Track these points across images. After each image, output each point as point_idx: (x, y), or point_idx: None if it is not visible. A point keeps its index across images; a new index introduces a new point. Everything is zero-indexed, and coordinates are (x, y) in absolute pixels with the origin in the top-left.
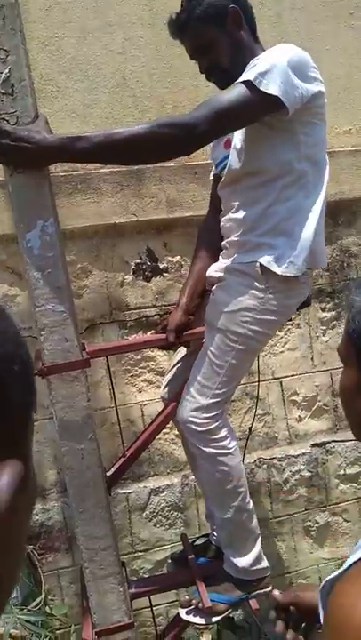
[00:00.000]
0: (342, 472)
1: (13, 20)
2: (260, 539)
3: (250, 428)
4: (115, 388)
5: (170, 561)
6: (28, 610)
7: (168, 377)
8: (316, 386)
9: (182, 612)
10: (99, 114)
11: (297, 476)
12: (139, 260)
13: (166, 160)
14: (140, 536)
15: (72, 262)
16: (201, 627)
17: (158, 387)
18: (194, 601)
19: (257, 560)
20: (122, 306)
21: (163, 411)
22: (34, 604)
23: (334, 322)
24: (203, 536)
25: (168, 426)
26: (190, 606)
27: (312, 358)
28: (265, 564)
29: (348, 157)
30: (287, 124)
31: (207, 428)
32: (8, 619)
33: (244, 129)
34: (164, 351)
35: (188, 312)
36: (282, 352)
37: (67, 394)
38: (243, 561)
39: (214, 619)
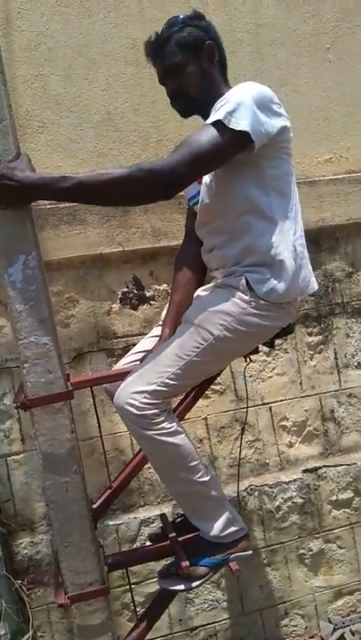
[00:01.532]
0: (335, 498)
1: None
2: (226, 503)
3: (239, 455)
4: (103, 417)
5: (149, 542)
6: None
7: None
8: (306, 410)
9: (162, 582)
10: (84, 148)
11: (289, 503)
12: (125, 289)
13: (148, 203)
14: (132, 569)
15: (59, 292)
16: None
17: None
18: (172, 568)
19: (227, 525)
20: (109, 334)
21: None
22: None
23: (321, 346)
24: (182, 515)
25: None
26: (170, 574)
27: (301, 383)
28: (238, 526)
29: (330, 185)
30: (253, 159)
31: (144, 412)
32: None
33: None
34: None
35: None
36: (270, 377)
37: (50, 426)
38: (212, 528)
39: (194, 583)
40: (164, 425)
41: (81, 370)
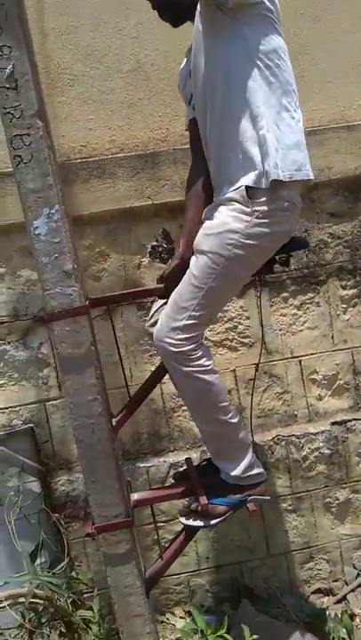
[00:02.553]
0: None
1: (16, 16)
2: (249, 448)
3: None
4: (135, 367)
5: (173, 480)
6: (53, 573)
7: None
8: (337, 364)
9: (182, 519)
10: (114, 99)
11: (316, 453)
12: (155, 243)
13: None
14: (161, 507)
15: (90, 246)
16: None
17: None
18: (193, 505)
19: (248, 468)
20: (146, 284)
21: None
22: (58, 567)
23: (355, 299)
24: (205, 460)
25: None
26: (190, 512)
27: (332, 337)
28: (258, 470)
29: None
30: (236, 25)
31: (182, 349)
32: (34, 580)
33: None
34: None
35: (185, 260)
36: (301, 331)
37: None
38: (234, 470)
39: (213, 521)
40: (202, 362)
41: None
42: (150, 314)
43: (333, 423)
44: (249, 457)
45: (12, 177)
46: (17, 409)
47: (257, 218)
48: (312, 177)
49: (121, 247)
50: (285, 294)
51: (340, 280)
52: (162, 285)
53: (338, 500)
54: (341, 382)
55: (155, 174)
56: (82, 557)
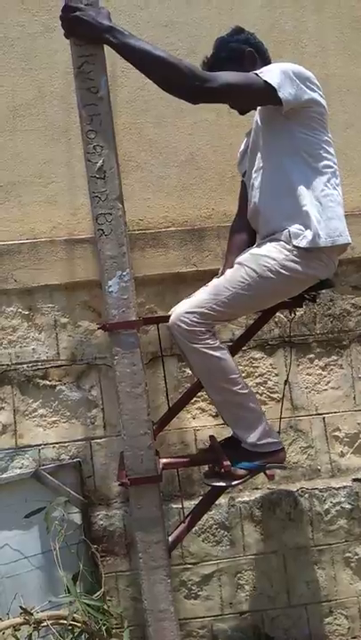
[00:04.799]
0: None
1: (107, 123)
2: (263, 417)
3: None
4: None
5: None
6: (91, 598)
7: None
8: (359, 423)
9: (206, 480)
10: (170, 184)
11: (338, 508)
12: None
13: (176, 94)
14: (190, 549)
15: (142, 304)
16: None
17: (210, 415)
18: (216, 468)
19: (264, 435)
20: None
21: None
22: (94, 596)
23: None
24: (228, 438)
25: None
26: (213, 474)
27: (354, 397)
28: (275, 439)
29: None
30: (286, 125)
31: (193, 329)
32: (75, 604)
33: (261, 139)
34: None
35: None
36: (325, 390)
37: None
38: (251, 437)
39: (234, 482)
40: (209, 341)
41: (155, 370)
42: None
43: (355, 480)
44: (263, 425)
45: (81, 243)
46: (66, 444)
47: (295, 256)
48: (350, 241)
49: (168, 306)
50: (311, 355)
51: None
52: None
53: (357, 555)
54: None
55: (200, 246)
56: (113, 592)
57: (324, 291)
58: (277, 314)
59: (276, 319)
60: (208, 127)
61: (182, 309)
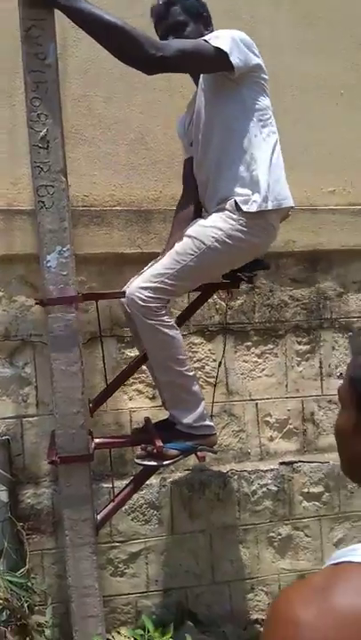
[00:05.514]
0: (306, 490)
1: (54, 92)
2: (203, 402)
3: None
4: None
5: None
6: (14, 574)
7: None
8: (289, 410)
9: (138, 460)
10: (118, 161)
11: (264, 489)
12: None
13: (130, 64)
14: (119, 528)
15: (82, 282)
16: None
17: (147, 397)
18: (149, 448)
19: (200, 418)
20: (121, 323)
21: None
22: (17, 573)
23: (308, 355)
24: (162, 420)
25: None
26: (146, 455)
27: (286, 385)
28: (209, 423)
29: (329, 214)
30: (236, 88)
31: (148, 304)
32: None
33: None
34: None
35: None
36: (260, 377)
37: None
38: (187, 418)
39: (166, 462)
40: (164, 318)
41: (93, 352)
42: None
43: (282, 463)
44: (201, 409)
45: (21, 214)
46: None
47: (240, 225)
48: (293, 204)
49: (109, 286)
50: (249, 343)
51: (296, 336)
52: None
53: (280, 535)
54: (291, 427)
55: (146, 228)
56: (38, 570)
57: (264, 281)
58: (218, 301)
59: (218, 306)
60: (160, 108)
61: (137, 285)
